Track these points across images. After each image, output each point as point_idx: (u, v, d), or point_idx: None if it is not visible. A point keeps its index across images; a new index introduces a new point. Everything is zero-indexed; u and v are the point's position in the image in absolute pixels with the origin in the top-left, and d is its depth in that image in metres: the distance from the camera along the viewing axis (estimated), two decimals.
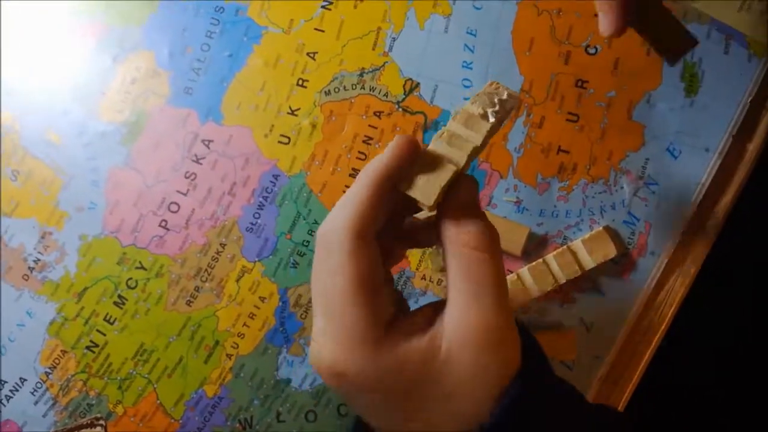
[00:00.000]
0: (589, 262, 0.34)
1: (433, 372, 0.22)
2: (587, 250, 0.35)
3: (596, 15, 0.35)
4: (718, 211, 0.35)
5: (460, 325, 0.22)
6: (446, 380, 0.22)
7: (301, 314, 0.36)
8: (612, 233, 0.35)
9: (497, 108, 0.26)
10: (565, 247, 0.35)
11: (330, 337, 0.22)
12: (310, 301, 0.36)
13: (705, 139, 0.35)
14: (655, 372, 0.35)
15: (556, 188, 0.35)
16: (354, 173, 0.36)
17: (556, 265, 0.34)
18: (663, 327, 0.35)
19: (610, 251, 0.34)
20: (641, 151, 0.35)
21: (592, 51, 0.35)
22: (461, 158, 0.25)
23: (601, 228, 0.35)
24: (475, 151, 0.25)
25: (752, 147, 0.35)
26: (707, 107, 0.35)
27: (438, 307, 0.23)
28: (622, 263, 0.35)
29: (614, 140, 0.35)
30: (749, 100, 0.35)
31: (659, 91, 0.35)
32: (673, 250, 0.35)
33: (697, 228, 0.35)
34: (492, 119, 0.25)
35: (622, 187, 0.35)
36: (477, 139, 0.25)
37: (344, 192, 0.36)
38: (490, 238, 0.23)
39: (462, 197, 0.24)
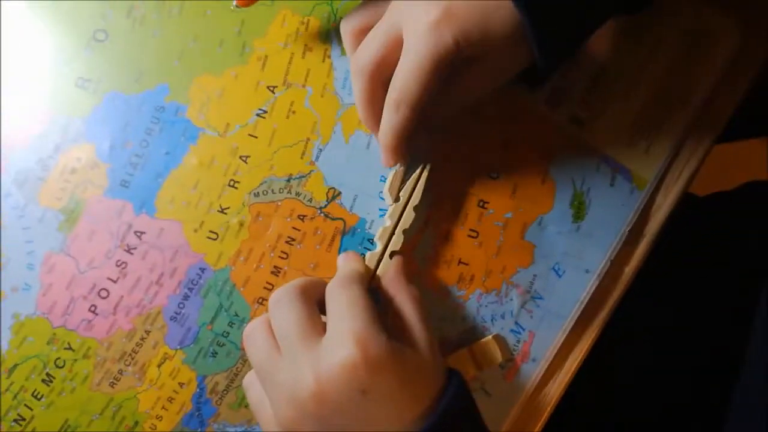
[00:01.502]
0: (477, 367, 0.39)
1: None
2: (477, 354, 0.39)
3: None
4: (594, 326, 0.40)
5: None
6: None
7: (217, 400, 0.39)
8: (500, 340, 0.39)
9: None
10: (457, 351, 0.39)
11: (372, 332, 0.31)
12: (225, 389, 0.39)
13: (587, 261, 0.40)
14: None
15: (454, 296, 0.39)
16: (276, 271, 0.39)
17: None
18: (539, 425, 0.40)
19: (498, 357, 0.39)
20: (530, 267, 0.40)
21: (495, 176, 0.40)
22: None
23: (490, 336, 0.39)
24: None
25: (628, 270, 0.40)
26: (591, 233, 0.40)
27: None
28: (508, 368, 0.40)
29: (508, 257, 0.40)
30: (628, 229, 0.40)
31: (550, 215, 0.40)
32: (552, 359, 0.39)
33: (574, 340, 0.40)
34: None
35: (511, 299, 0.40)
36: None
37: (265, 288, 0.40)
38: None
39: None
